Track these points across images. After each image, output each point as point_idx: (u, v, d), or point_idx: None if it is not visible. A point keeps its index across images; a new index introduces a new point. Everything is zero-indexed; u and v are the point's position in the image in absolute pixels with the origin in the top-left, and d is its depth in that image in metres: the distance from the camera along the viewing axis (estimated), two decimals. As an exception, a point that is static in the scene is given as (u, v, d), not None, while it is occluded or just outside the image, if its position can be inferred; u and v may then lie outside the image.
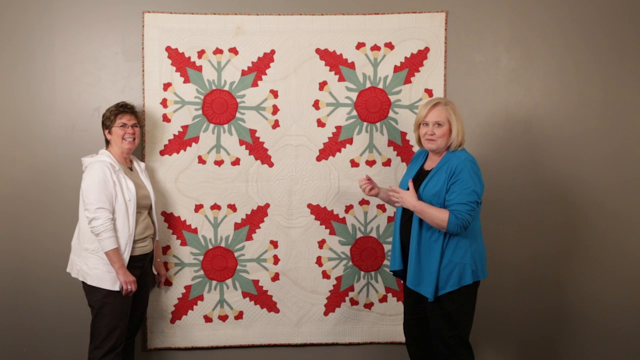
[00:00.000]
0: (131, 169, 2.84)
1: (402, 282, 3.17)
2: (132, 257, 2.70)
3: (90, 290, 2.67)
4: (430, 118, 2.54)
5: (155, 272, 2.99)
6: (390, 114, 3.14)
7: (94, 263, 2.64)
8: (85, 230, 2.65)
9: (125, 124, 2.76)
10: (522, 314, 3.27)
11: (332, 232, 3.17)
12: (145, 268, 2.84)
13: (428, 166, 2.61)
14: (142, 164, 2.92)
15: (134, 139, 2.78)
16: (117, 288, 2.65)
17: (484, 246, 2.58)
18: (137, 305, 2.84)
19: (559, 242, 3.24)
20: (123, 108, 2.78)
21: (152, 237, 2.88)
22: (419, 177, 2.60)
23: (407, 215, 2.60)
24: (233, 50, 3.07)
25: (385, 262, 3.20)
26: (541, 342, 3.29)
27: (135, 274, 2.70)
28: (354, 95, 3.13)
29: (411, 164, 2.77)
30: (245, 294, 3.17)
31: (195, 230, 3.12)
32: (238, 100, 3.09)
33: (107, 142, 2.80)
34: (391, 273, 3.18)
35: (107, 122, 2.76)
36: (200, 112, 3.08)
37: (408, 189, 2.55)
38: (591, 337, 3.28)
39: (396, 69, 3.12)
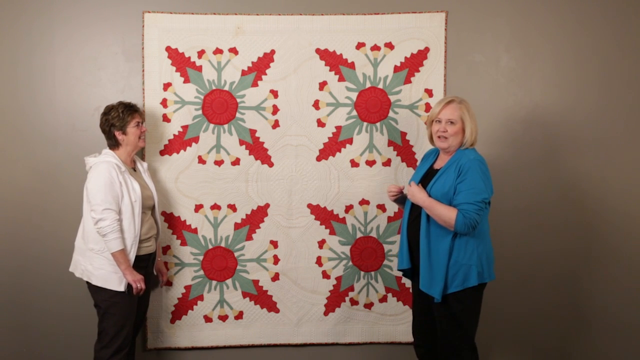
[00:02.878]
0: (134, 170, 2.83)
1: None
2: (138, 257, 2.70)
3: (96, 291, 2.67)
4: (443, 115, 2.52)
5: (156, 273, 2.98)
6: (390, 114, 3.14)
7: (100, 263, 2.64)
8: (90, 231, 2.64)
9: (139, 122, 2.76)
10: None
11: (332, 232, 3.17)
12: (148, 268, 2.84)
13: (437, 165, 2.60)
14: (145, 164, 2.91)
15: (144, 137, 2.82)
16: (122, 288, 2.64)
17: (492, 248, 2.56)
18: (138, 305, 2.83)
19: (563, 241, 3.24)
20: (134, 107, 2.77)
21: (156, 237, 2.88)
22: (428, 176, 2.59)
23: (414, 213, 2.58)
24: (233, 50, 3.07)
25: (386, 262, 3.20)
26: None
27: (140, 274, 2.69)
28: (354, 95, 3.13)
29: (421, 163, 2.75)
30: (245, 294, 3.17)
31: (195, 230, 3.12)
32: (238, 100, 3.09)
33: (114, 143, 2.74)
34: (392, 273, 3.20)
35: (120, 122, 2.71)
36: (200, 112, 3.08)
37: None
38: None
39: (396, 69, 3.12)
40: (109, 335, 2.64)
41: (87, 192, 2.63)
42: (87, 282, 2.69)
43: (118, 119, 2.71)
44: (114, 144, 2.75)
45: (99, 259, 2.64)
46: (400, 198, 2.74)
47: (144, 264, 2.77)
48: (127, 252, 2.64)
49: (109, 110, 2.75)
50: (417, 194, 2.51)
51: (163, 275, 3.05)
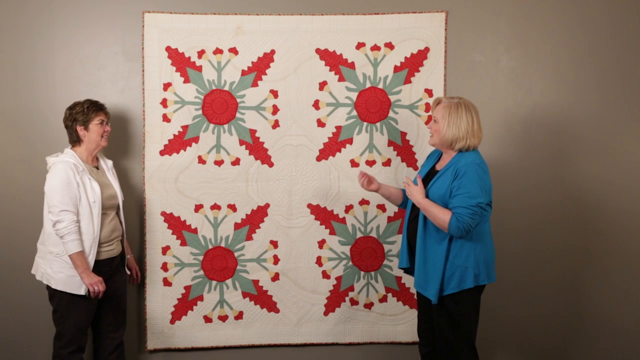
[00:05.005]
0: (97, 168, 2.78)
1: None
2: (97, 262, 2.64)
3: (54, 294, 2.64)
4: (432, 114, 2.57)
5: (128, 272, 2.93)
6: (390, 114, 3.14)
7: (59, 267, 2.60)
8: (49, 233, 2.61)
9: (103, 121, 2.73)
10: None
11: (332, 232, 3.17)
12: (115, 269, 2.78)
13: (439, 166, 2.60)
14: (110, 162, 2.86)
15: (107, 136, 2.76)
16: (82, 292, 2.60)
17: (493, 250, 2.55)
18: (114, 306, 2.81)
19: (563, 241, 3.24)
20: (99, 105, 2.74)
21: (121, 239, 2.83)
22: (429, 176, 2.59)
23: (414, 213, 2.60)
24: (233, 50, 3.07)
25: (386, 262, 3.20)
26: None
27: (100, 276, 2.63)
28: (354, 95, 3.13)
29: (426, 160, 2.76)
30: (245, 294, 3.16)
31: (195, 230, 3.11)
32: (238, 100, 3.09)
33: (76, 139, 2.70)
34: (392, 273, 3.20)
35: (83, 117, 2.67)
36: (200, 112, 3.08)
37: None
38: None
39: (396, 69, 3.12)
40: (66, 338, 2.64)
41: (45, 193, 2.60)
42: (47, 285, 2.66)
43: (82, 114, 2.68)
44: (75, 140, 2.71)
45: (58, 263, 2.60)
46: (384, 190, 2.75)
47: (106, 268, 2.69)
48: (86, 254, 2.59)
49: (74, 105, 2.73)
50: (415, 194, 2.52)
51: (134, 272, 2.98)
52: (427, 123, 3.12)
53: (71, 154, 2.66)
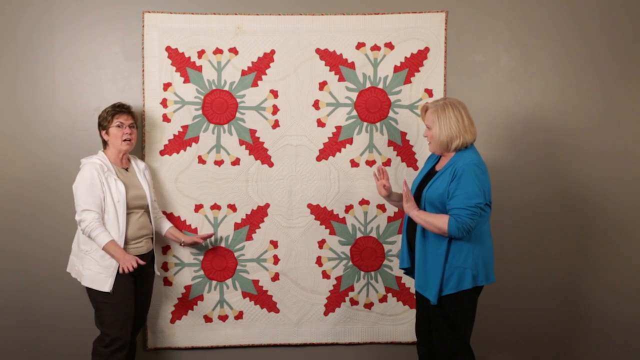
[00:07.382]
0: (127, 170, 2.82)
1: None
2: None
3: (87, 291, 2.70)
4: (425, 122, 2.59)
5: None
6: (390, 114, 3.14)
7: (88, 264, 2.66)
8: (81, 232, 2.68)
9: (122, 124, 2.74)
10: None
11: (332, 232, 3.17)
12: (143, 269, 2.80)
13: (439, 166, 2.61)
14: (142, 164, 2.91)
15: (131, 139, 2.77)
16: (107, 289, 2.63)
17: (492, 251, 2.55)
18: (138, 306, 2.83)
19: (562, 242, 3.24)
20: (120, 108, 2.77)
21: (151, 238, 2.87)
22: (428, 177, 2.60)
23: None
24: (233, 50, 3.07)
25: (386, 262, 3.20)
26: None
27: (130, 274, 2.69)
28: (354, 95, 3.13)
29: (425, 163, 2.76)
30: (245, 294, 3.17)
31: (195, 231, 3.12)
32: (238, 100, 3.09)
33: (105, 143, 2.80)
34: (392, 273, 3.20)
35: (104, 122, 2.75)
36: (200, 112, 3.08)
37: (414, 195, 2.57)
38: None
39: (396, 69, 3.12)
40: (109, 337, 2.65)
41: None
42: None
43: (104, 119, 2.75)
44: (103, 142, 2.80)
45: (88, 260, 2.66)
46: (395, 197, 2.77)
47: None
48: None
49: (102, 110, 2.79)
50: (409, 210, 2.54)
51: (201, 238, 2.99)
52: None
53: (101, 155, 2.74)
